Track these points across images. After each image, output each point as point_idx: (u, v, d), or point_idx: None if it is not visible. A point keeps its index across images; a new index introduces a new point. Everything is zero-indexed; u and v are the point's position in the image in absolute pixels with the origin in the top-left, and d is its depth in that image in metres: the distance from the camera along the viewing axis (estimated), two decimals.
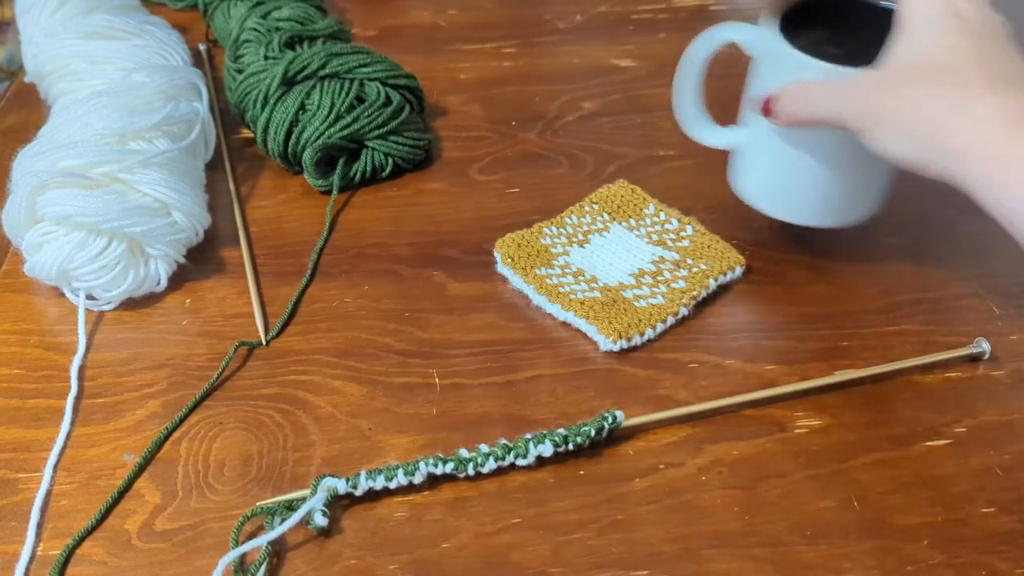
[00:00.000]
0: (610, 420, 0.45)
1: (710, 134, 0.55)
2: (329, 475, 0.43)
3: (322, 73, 0.64)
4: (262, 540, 0.41)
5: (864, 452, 0.46)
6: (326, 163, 0.64)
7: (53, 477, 0.45)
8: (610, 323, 0.51)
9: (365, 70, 0.65)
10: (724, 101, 0.56)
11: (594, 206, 0.60)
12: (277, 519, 0.42)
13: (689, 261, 0.56)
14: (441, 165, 0.67)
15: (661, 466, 0.46)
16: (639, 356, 0.51)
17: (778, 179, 0.53)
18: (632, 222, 0.59)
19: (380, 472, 0.43)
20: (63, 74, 0.65)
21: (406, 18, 0.88)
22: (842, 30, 0.51)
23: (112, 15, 0.67)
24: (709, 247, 0.56)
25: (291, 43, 0.69)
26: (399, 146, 0.65)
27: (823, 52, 0.48)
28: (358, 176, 0.64)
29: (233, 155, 0.68)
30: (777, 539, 0.42)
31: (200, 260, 0.58)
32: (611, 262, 0.56)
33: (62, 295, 0.55)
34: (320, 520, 0.42)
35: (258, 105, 0.64)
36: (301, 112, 0.63)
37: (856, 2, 0.51)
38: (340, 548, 0.42)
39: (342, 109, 0.63)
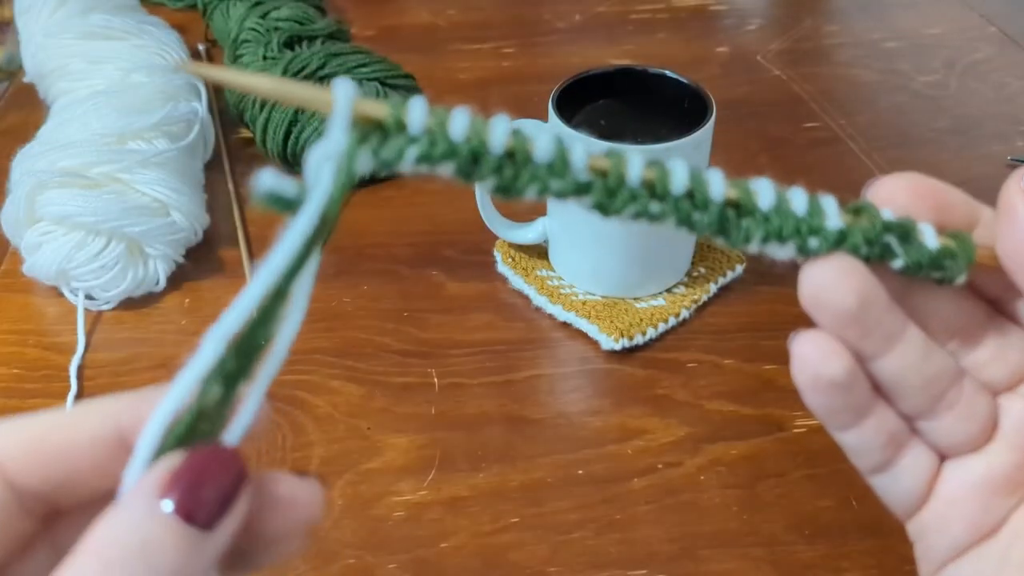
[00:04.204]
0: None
1: (512, 233, 0.56)
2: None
3: (321, 73, 0.65)
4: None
5: None
6: None
7: None
8: (612, 322, 0.51)
9: (364, 70, 0.65)
10: None
11: None
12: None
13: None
14: None
15: (659, 466, 0.46)
16: (638, 356, 0.51)
17: (590, 259, 0.53)
18: None
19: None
20: (62, 74, 0.65)
21: (405, 18, 0.88)
22: (617, 94, 0.54)
23: (111, 15, 0.67)
24: (710, 246, 0.56)
25: (290, 43, 0.69)
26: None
27: (610, 124, 0.54)
28: None
29: (232, 155, 0.68)
30: (775, 538, 0.42)
31: (199, 260, 0.58)
32: None
33: (61, 295, 0.55)
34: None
35: (257, 105, 0.64)
36: (300, 112, 0.63)
37: (621, 70, 0.55)
38: (339, 548, 0.42)
39: None
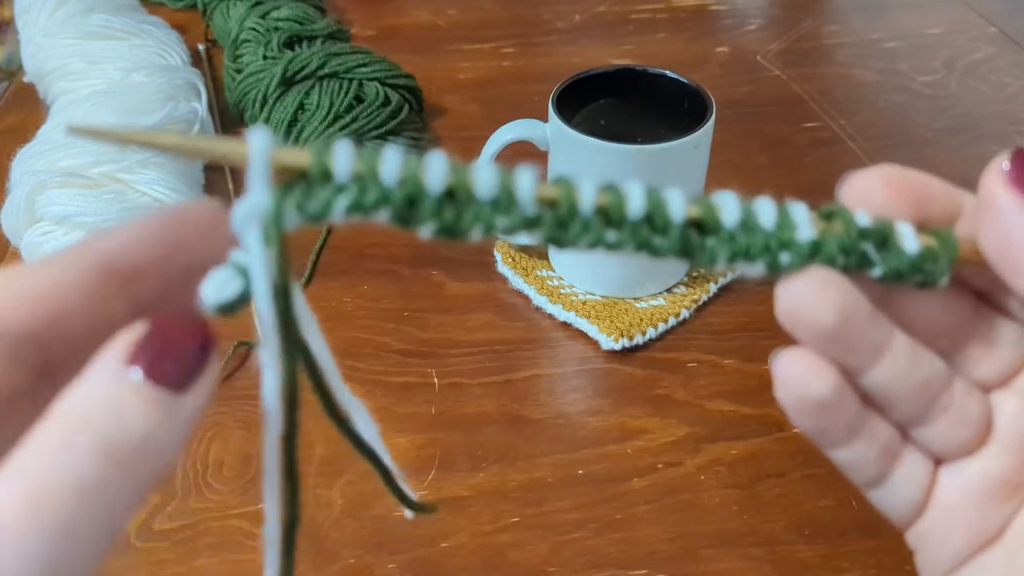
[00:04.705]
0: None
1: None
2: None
3: (321, 73, 0.64)
4: None
5: None
6: None
7: None
8: (611, 322, 0.51)
9: (364, 70, 0.65)
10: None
11: None
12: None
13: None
14: None
15: (660, 465, 0.46)
16: (637, 356, 0.51)
17: (590, 259, 0.53)
18: None
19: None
20: (62, 74, 0.65)
21: (405, 18, 0.88)
22: (617, 94, 0.55)
23: (111, 15, 0.67)
24: None
25: (290, 43, 0.69)
26: (398, 146, 0.65)
27: (610, 124, 0.54)
28: None
29: None
30: (775, 538, 0.42)
31: None
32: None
33: None
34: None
35: (257, 105, 0.64)
36: (300, 112, 0.63)
37: (621, 70, 0.55)
38: (338, 548, 0.42)
39: (341, 109, 0.63)
